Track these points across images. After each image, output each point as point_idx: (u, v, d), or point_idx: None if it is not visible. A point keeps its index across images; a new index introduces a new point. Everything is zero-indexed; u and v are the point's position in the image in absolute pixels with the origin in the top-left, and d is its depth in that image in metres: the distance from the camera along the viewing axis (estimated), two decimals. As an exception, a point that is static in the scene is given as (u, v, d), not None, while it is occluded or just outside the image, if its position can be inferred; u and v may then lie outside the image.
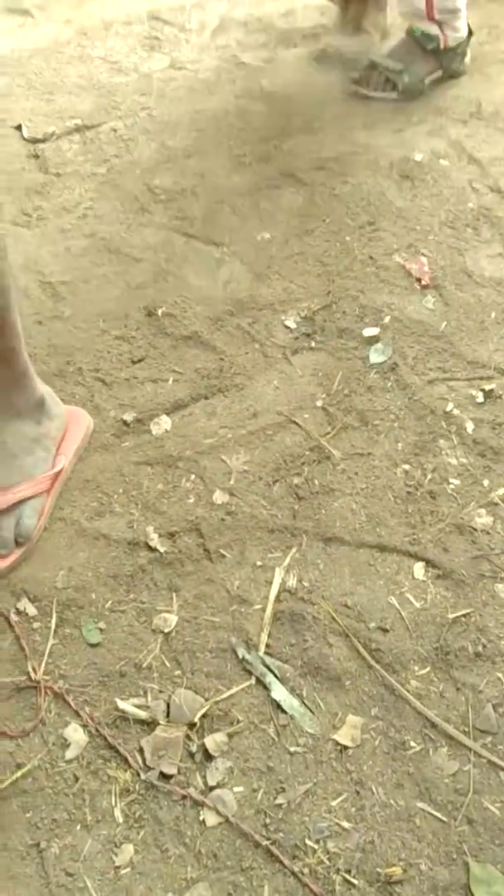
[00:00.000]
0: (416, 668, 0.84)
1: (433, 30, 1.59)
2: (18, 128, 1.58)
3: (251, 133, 1.57)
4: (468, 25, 1.63)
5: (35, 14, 1.96)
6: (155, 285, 1.28)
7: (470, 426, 1.07)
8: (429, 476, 1.01)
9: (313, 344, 1.19)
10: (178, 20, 1.92)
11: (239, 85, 1.69)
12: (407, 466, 1.02)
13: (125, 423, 1.08)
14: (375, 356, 1.16)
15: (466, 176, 1.45)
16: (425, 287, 1.25)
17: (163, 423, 1.08)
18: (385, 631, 0.87)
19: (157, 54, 1.81)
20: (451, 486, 1.00)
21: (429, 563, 0.93)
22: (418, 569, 0.93)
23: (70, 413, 1.04)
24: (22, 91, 1.69)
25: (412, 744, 0.79)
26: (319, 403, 1.10)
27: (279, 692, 0.82)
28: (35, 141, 1.55)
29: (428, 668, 0.84)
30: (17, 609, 0.89)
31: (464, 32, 1.62)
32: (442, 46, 1.60)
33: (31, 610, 0.89)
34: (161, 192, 1.44)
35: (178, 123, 1.60)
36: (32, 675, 0.83)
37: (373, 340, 1.18)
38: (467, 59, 1.67)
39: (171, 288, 1.27)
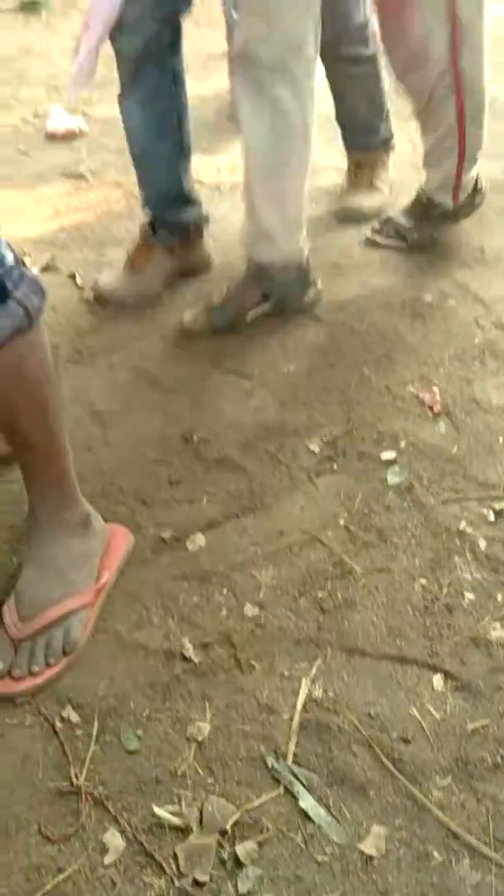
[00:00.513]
0: (438, 778, 0.88)
1: (446, 202, 1.75)
2: (72, 276, 1.79)
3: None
4: (476, 180, 1.78)
5: (89, 178, 2.25)
6: (191, 413, 1.42)
7: (483, 543, 1.14)
8: (445, 590, 1.08)
9: (335, 467, 1.29)
10: (212, 180, 2.19)
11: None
12: (424, 581, 1.10)
13: (163, 540, 1.18)
14: (393, 478, 1.26)
15: (472, 314, 1.60)
16: (437, 414, 1.37)
17: (198, 541, 1.18)
18: (407, 741, 0.91)
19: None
20: (467, 600, 1.07)
21: (447, 675, 0.98)
22: (437, 680, 0.98)
23: (112, 530, 1.14)
24: (77, 244, 1.93)
25: (435, 854, 0.82)
26: (341, 522, 1.19)
27: (307, 801, 0.86)
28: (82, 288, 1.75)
29: (449, 779, 0.88)
30: (61, 716, 0.95)
31: (470, 188, 1.79)
32: (451, 209, 1.77)
33: (75, 717, 0.95)
34: (199, 337, 1.61)
35: (212, 271, 1.81)
36: (74, 780, 0.89)
37: (390, 463, 1.28)
38: (477, 200, 1.81)
39: (206, 416, 1.41)
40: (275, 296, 1.59)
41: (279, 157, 1.46)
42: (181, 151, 1.65)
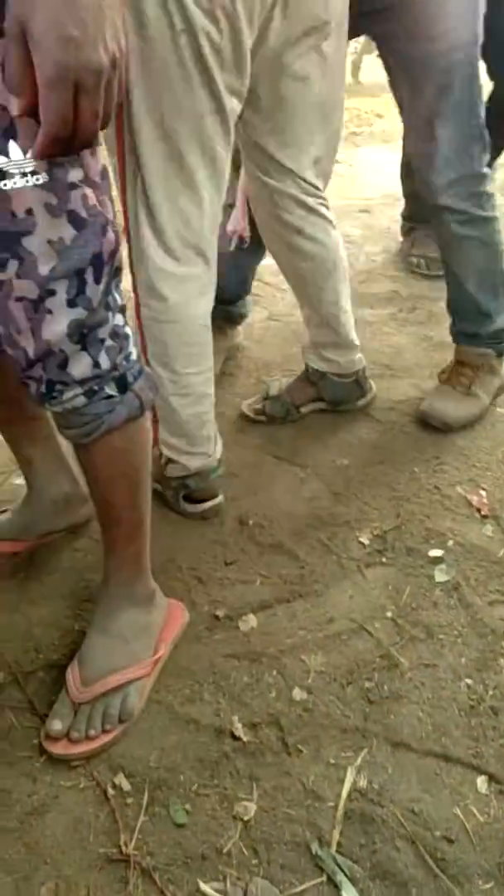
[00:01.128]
0: (481, 882, 0.89)
1: None
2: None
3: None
4: None
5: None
6: (247, 498, 1.49)
7: (528, 648, 1.17)
8: (490, 692, 1.11)
9: (384, 560, 1.34)
10: (275, 281, 2.35)
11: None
12: (470, 681, 1.12)
13: (217, 617, 1.23)
14: (440, 575, 1.31)
15: (520, 423, 1.68)
16: (485, 517, 1.42)
17: (250, 621, 1.23)
18: (450, 841, 0.93)
19: (258, 308, 2.20)
20: (512, 703, 1.09)
21: (492, 778, 1.00)
22: (481, 782, 0.99)
23: (170, 605, 1.20)
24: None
25: None
26: (389, 614, 1.24)
27: (349, 892, 0.88)
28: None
29: (492, 884, 0.89)
30: (113, 783, 0.99)
31: None
32: None
33: (126, 785, 0.99)
34: (257, 424, 1.71)
35: (271, 363, 1.92)
36: (123, 848, 0.92)
37: (437, 561, 1.33)
38: None
39: (261, 501, 1.48)
40: (329, 397, 1.70)
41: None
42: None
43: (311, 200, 1.44)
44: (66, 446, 1.24)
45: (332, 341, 1.62)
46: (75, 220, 0.80)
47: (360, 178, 3.37)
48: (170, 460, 1.41)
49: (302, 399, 1.70)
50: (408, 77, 1.47)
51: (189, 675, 1.14)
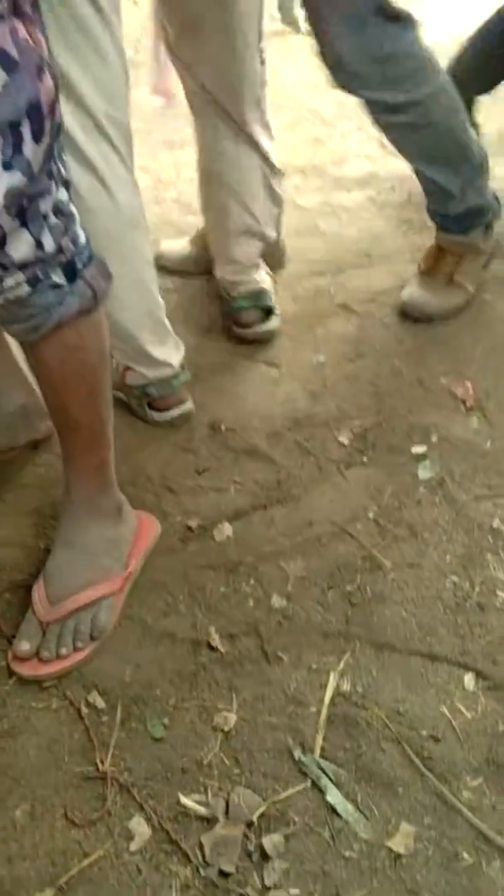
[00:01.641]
0: (469, 778, 0.87)
1: None
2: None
3: (308, 267, 1.74)
4: None
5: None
6: (218, 402, 1.40)
7: (516, 541, 1.12)
8: (477, 588, 1.06)
9: (365, 459, 1.28)
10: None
11: (297, 225, 1.88)
12: (455, 578, 1.08)
13: (190, 528, 1.17)
14: (424, 472, 1.24)
15: (507, 308, 1.57)
16: (470, 409, 1.35)
17: (225, 530, 1.17)
18: (437, 740, 0.90)
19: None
20: (499, 599, 1.05)
21: (479, 675, 0.97)
22: (468, 679, 0.96)
23: (140, 518, 1.13)
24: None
25: (465, 856, 0.80)
26: (371, 515, 1.18)
27: (334, 796, 0.85)
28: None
29: (480, 780, 0.86)
30: (87, 701, 0.95)
31: None
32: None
33: (101, 703, 0.95)
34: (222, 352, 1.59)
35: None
36: (100, 766, 0.88)
37: (421, 457, 1.26)
38: None
39: (233, 405, 1.39)
40: None
41: None
42: None
43: None
44: (21, 356, 1.14)
45: None
46: (4, 61, 0.67)
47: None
48: (127, 367, 1.31)
49: None
50: None
51: (163, 589, 1.09)
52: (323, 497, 1.21)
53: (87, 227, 0.88)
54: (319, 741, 0.90)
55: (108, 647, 1.01)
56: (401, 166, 2.10)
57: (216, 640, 1.01)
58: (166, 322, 1.29)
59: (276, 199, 1.53)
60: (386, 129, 1.43)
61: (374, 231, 1.85)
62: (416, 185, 1.99)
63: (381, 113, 1.37)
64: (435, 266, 1.55)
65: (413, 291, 1.55)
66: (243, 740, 0.91)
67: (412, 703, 0.94)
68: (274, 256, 1.70)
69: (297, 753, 0.89)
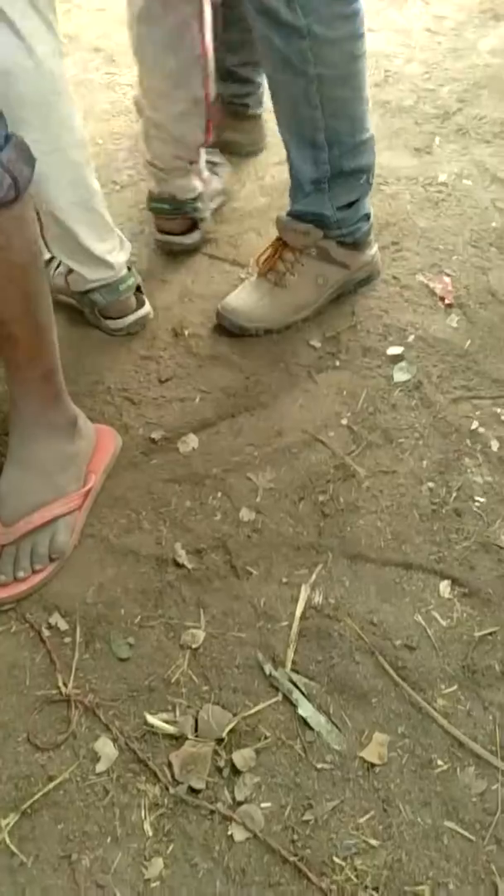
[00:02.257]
0: (443, 686, 0.84)
1: None
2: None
3: (273, 155, 1.60)
4: None
5: (66, 42, 2.01)
6: (181, 306, 1.30)
7: (495, 444, 1.07)
8: (454, 494, 1.02)
9: (338, 363, 1.20)
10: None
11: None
12: (432, 484, 1.03)
13: (153, 441, 1.10)
14: (399, 375, 1.17)
15: (490, 196, 1.46)
16: (449, 306, 1.26)
17: (190, 442, 1.10)
18: (411, 649, 0.87)
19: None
20: (477, 503, 1.01)
21: (455, 582, 0.93)
22: (444, 587, 0.93)
23: (99, 431, 1.06)
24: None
25: (439, 762, 0.79)
26: (344, 422, 1.11)
27: (306, 709, 0.83)
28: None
29: (455, 687, 0.84)
30: (48, 623, 0.91)
31: None
32: None
33: (63, 625, 0.91)
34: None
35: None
36: (63, 688, 0.85)
37: (397, 359, 1.19)
38: None
39: (197, 309, 1.30)
40: None
41: None
42: None
43: None
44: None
45: None
46: None
47: None
48: (70, 270, 1.19)
49: None
50: None
51: (125, 505, 1.03)
52: (293, 404, 1.15)
53: (1, 94, 0.76)
54: (291, 655, 0.87)
55: (69, 568, 0.96)
56: (376, 42, 1.93)
57: (182, 557, 0.97)
58: (106, 215, 1.15)
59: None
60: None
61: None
62: (391, 64, 1.83)
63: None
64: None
65: (230, 297, 1.25)
66: (212, 657, 0.88)
67: (386, 613, 0.90)
68: (251, 136, 1.56)
69: (268, 668, 0.86)
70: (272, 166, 1.57)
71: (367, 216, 1.23)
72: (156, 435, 1.11)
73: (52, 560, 0.94)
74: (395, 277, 1.32)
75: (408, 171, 1.53)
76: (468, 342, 1.21)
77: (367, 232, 1.25)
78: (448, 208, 1.44)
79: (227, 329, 1.23)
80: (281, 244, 1.24)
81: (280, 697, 0.84)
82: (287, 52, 1.03)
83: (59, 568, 0.95)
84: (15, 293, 0.83)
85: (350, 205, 1.19)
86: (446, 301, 1.27)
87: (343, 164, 1.14)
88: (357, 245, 1.24)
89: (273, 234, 1.28)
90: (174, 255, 1.39)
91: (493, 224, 1.40)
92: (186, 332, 1.25)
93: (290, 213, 1.22)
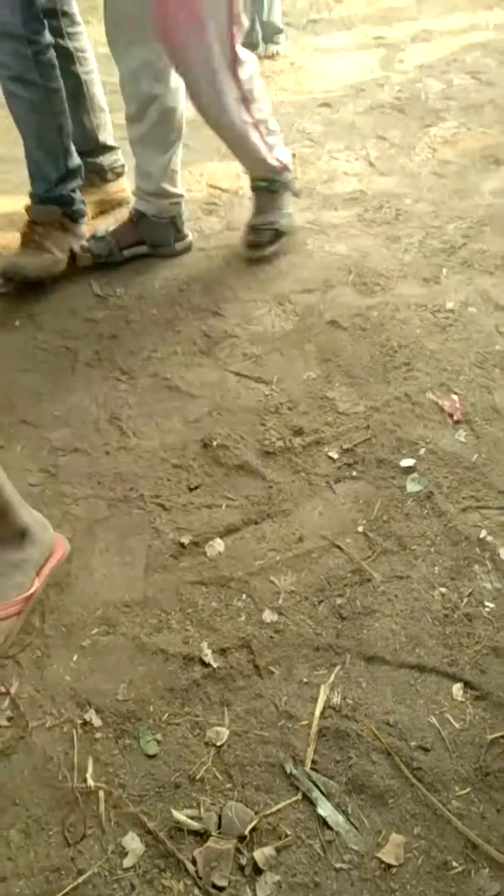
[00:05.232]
0: (457, 788, 0.88)
1: (276, 176, 1.79)
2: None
3: (298, 284, 1.76)
4: None
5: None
6: (210, 419, 1.42)
7: (503, 552, 1.14)
8: (465, 599, 1.08)
9: (354, 473, 1.29)
10: (233, 186, 2.20)
11: (286, 243, 1.91)
12: (444, 590, 1.09)
13: (182, 545, 1.19)
14: (412, 485, 1.26)
15: (493, 321, 1.60)
16: (457, 422, 1.37)
17: (217, 546, 1.18)
18: (426, 750, 0.91)
19: (214, 217, 2.06)
20: (487, 609, 1.06)
21: (467, 685, 0.98)
22: (457, 690, 0.98)
23: (57, 539, 1.13)
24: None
25: (454, 864, 0.81)
26: (360, 529, 1.19)
27: (325, 808, 0.86)
28: (103, 297, 1.77)
29: (468, 789, 0.88)
30: (83, 719, 0.96)
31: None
32: (280, 177, 1.80)
33: (96, 721, 0.96)
34: (215, 336, 1.62)
35: (228, 275, 1.81)
36: (94, 783, 0.90)
37: (409, 471, 1.28)
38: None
39: (225, 422, 1.41)
40: (149, 239, 1.85)
41: None
42: None
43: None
44: None
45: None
46: None
47: (320, 69, 3.14)
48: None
49: (126, 241, 1.84)
50: None
51: (155, 605, 1.10)
52: (313, 511, 1.23)
53: None
54: (310, 754, 0.91)
55: (103, 664, 1.02)
56: (388, 185, 2.15)
57: (208, 656, 1.03)
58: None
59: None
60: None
61: (361, 248, 1.88)
62: (402, 203, 2.04)
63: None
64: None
65: (10, 258, 1.74)
66: (235, 754, 0.92)
67: (402, 714, 0.95)
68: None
69: (289, 766, 0.90)
70: (294, 294, 1.73)
71: None
72: (185, 539, 1.19)
73: None
74: (406, 395, 1.44)
75: (418, 299, 1.68)
76: (475, 455, 1.30)
77: None
78: (455, 333, 1.57)
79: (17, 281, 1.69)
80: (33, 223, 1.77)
81: (300, 796, 0.88)
82: None
83: (94, 664, 1.01)
84: None
85: None
86: (455, 417, 1.37)
87: None
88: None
89: (294, 356, 1.41)
90: (204, 369, 1.52)
91: (497, 347, 1.53)
92: (215, 444, 1.36)
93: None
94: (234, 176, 2.25)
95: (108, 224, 1.90)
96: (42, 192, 1.73)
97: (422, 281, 1.74)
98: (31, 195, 1.76)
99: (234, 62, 1.51)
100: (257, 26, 3.10)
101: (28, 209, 1.78)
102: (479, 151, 2.26)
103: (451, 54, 3.03)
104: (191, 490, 1.28)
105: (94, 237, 1.83)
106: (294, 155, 2.12)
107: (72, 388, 1.51)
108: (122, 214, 1.99)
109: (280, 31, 3.18)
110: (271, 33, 3.14)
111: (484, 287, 1.69)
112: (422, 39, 3.22)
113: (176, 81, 1.64)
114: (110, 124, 2.00)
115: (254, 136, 1.66)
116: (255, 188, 1.85)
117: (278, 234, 1.87)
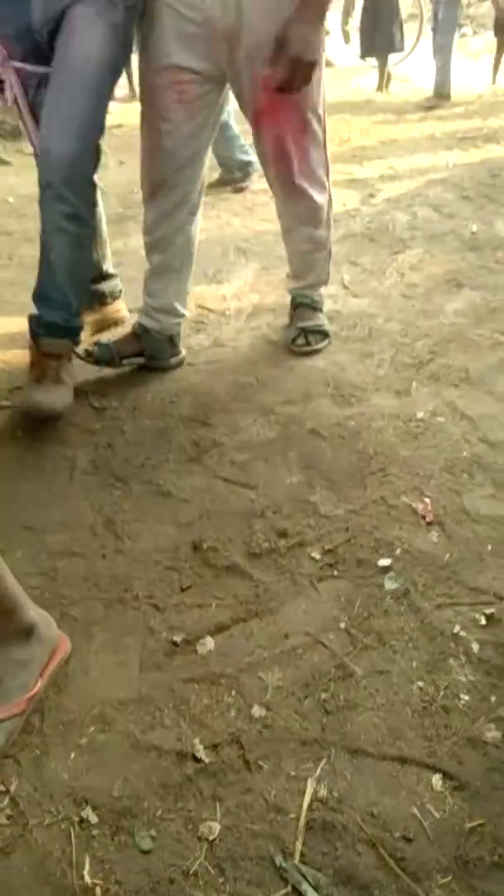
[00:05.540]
0: (439, 877, 0.92)
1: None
2: (85, 394, 1.95)
3: (280, 396, 1.91)
4: None
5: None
6: (200, 522, 1.52)
7: (475, 647, 1.22)
8: (441, 692, 1.15)
9: (336, 573, 1.38)
10: (220, 307, 2.40)
11: (269, 359, 2.08)
12: (421, 683, 1.16)
13: (175, 643, 1.26)
14: (390, 583, 1.35)
15: (460, 430, 1.74)
16: (430, 524, 1.47)
17: (207, 644, 1.25)
18: (409, 840, 0.96)
19: (202, 335, 2.24)
20: (462, 701, 1.13)
21: (446, 775, 1.04)
22: (436, 780, 1.03)
23: (60, 638, 1.19)
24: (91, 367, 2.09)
25: None
26: (342, 625, 1.27)
27: (314, 900, 0.90)
28: (99, 409, 1.90)
29: (450, 878, 0.92)
30: (80, 816, 1.00)
31: None
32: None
33: (93, 818, 1.00)
34: (204, 444, 1.74)
35: (215, 388, 1.96)
36: (90, 879, 0.93)
37: (387, 570, 1.38)
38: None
39: (214, 525, 1.51)
40: (148, 352, 2.02)
41: None
42: None
43: None
44: None
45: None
46: None
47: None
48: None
49: (126, 351, 2.01)
50: None
51: (150, 703, 1.16)
52: (298, 609, 1.31)
53: None
54: (299, 847, 0.96)
55: (100, 761, 1.07)
56: (361, 305, 2.36)
57: (200, 752, 1.08)
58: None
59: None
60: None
61: (338, 363, 2.05)
62: (374, 322, 2.23)
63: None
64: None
65: (31, 394, 1.80)
66: (227, 848, 0.96)
67: (385, 806, 1.00)
68: None
69: (279, 859, 0.94)
70: (277, 405, 1.88)
71: None
72: (177, 638, 1.26)
73: None
74: (383, 498, 1.55)
75: (391, 410, 1.83)
76: (447, 555, 1.40)
77: None
78: (426, 440, 1.71)
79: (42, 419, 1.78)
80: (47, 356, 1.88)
81: (290, 888, 0.92)
82: None
83: (91, 761, 1.06)
84: None
85: None
86: (427, 519, 1.48)
87: None
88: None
89: (278, 463, 1.53)
90: (194, 476, 1.63)
91: (464, 454, 1.66)
92: (205, 546, 1.45)
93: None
94: (220, 297, 2.45)
95: (111, 335, 2.13)
96: (61, 320, 1.81)
97: (394, 393, 1.90)
98: (45, 323, 1.82)
99: (325, 138, 1.86)
100: (250, 158, 3.37)
101: (39, 341, 1.83)
102: (442, 276, 2.50)
103: (415, 189, 3.36)
104: (183, 590, 1.36)
105: (98, 343, 2.00)
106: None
107: (70, 494, 1.61)
108: (118, 332, 2.16)
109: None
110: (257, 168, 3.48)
111: (451, 398, 1.85)
112: (389, 177, 3.58)
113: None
114: (110, 252, 2.21)
115: (324, 216, 1.98)
116: (298, 304, 2.13)
117: (325, 335, 2.10)
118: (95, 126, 1.67)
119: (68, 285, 1.79)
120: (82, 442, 1.77)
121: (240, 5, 1.61)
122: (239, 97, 1.79)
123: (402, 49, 5.14)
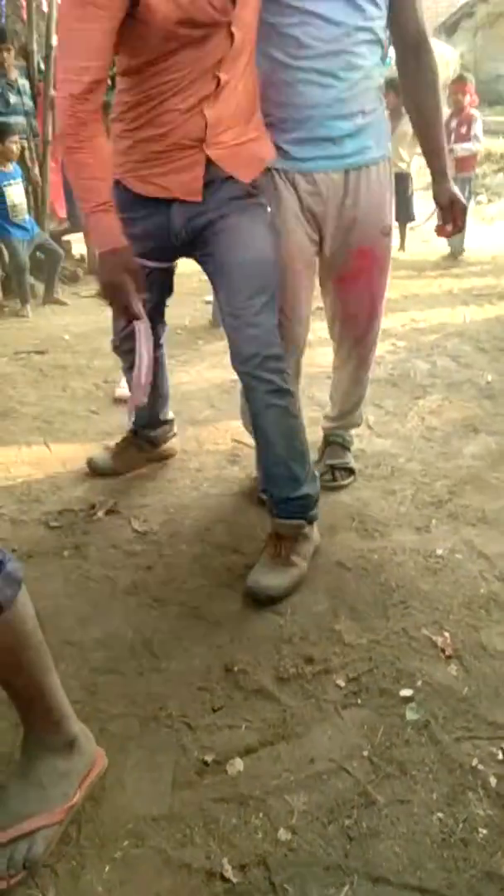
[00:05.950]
0: None
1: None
2: (129, 519, 2.11)
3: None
4: None
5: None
6: (231, 646, 1.62)
7: (493, 781, 1.27)
8: (460, 825, 1.20)
9: (359, 701, 1.46)
10: (254, 442, 2.59)
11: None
12: (441, 815, 1.21)
13: (206, 763, 1.33)
14: (411, 714, 1.42)
15: (477, 567, 1.85)
16: (449, 657, 1.56)
17: (237, 765, 1.32)
18: None
19: (237, 467, 2.42)
20: (481, 835, 1.18)
21: (465, 909, 1.07)
22: (456, 913, 1.07)
23: (98, 752, 1.26)
24: (137, 490, 2.27)
25: None
26: (365, 753, 1.34)
27: None
28: (140, 533, 2.06)
29: None
30: (112, 929, 1.05)
31: None
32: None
33: (124, 930, 1.04)
34: (239, 575, 1.86)
35: (248, 518, 2.11)
36: None
37: (408, 700, 1.45)
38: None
39: (244, 648, 1.61)
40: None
41: None
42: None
43: None
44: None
45: None
46: None
47: (326, 350, 3.76)
48: None
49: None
50: None
51: (181, 820, 1.22)
52: (323, 735, 1.38)
53: None
54: None
55: (132, 877, 1.12)
56: (384, 445, 2.54)
57: (228, 871, 1.13)
58: None
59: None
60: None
61: (363, 498, 2.20)
62: (396, 462, 2.40)
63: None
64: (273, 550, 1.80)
65: (257, 577, 1.75)
66: None
67: (406, 936, 1.03)
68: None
69: None
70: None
71: None
72: (208, 758, 1.33)
73: (24, 868, 1.09)
74: (404, 630, 1.65)
75: (412, 545, 1.95)
76: (466, 688, 1.47)
77: None
78: (444, 576, 1.82)
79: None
80: (278, 536, 1.86)
81: None
82: None
83: (123, 876, 1.11)
84: (4, 666, 1.10)
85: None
86: (446, 652, 1.57)
87: None
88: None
89: (306, 593, 1.64)
90: (227, 600, 1.74)
91: (482, 591, 1.76)
92: (236, 668, 1.54)
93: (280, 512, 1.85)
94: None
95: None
96: (293, 494, 1.79)
97: (415, 529, 2.03)
98: (276, 500, 1.81)
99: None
100: None
101: (274, 522, 1.82)
102: (460, 421, 2.70)
103: (434, 340, 3.65)
104: (214, 711, 1.44)
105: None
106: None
107: (111, 613, 1.72)
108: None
109: None
110: None
111: (468, 537, 1.98)
112: (411, 328, 3.89)
113: None
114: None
115: (371, 359, 2.23)
116: (330, 442, 2.31)
117: (352, 472, 2.27)
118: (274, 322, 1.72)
119: (291, 459, 1.77)
120: (124, 563, 1.90)
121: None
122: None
123: (414, 218, 5.73)
